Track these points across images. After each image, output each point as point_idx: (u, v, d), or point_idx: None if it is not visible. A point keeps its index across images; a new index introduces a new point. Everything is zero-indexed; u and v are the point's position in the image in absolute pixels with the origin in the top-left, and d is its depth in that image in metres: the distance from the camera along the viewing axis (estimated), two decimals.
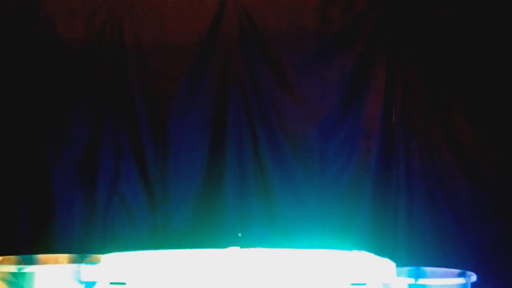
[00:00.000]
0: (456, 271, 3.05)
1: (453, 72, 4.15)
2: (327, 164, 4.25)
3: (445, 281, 2.94)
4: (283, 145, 4.24)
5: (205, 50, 4.29)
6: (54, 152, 4.30)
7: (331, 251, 2.77)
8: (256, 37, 4.28)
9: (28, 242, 4.21)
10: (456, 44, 4.15)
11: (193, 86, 4.30)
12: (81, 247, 4.13)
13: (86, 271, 2.48)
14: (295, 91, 4.29)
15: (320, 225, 4.10)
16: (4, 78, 4.28)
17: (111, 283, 2.39)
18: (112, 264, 2.43)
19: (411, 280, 2.84)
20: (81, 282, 2.62)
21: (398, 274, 2.61)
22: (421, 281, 2.83)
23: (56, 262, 3.19)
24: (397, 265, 2.57)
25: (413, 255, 3.99)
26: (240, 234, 3.70)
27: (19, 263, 3.07)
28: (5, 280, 2.77)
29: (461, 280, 2.92)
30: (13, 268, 2.82)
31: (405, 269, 3.13)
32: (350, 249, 2.81)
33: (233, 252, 2.67)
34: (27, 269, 2.81)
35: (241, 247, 3.51)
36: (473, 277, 2.97)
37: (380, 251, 2.82)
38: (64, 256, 3.25)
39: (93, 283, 2.50)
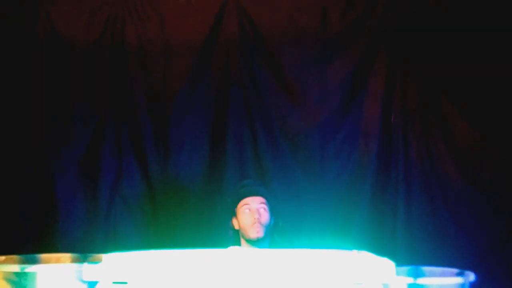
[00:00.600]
0: (455, 270, 3.06)
1: (453, 73, 4.17)
2: (327, 164, 4.27)
3: (444, 281, 2.95)
4: (283, 145, 4.26)
5: (205, 50, 4.31)
6: (55, 152, 4.33)
7: (330, 250, 2.79)
8: (256, 38, 4.30)
9: (30, 242, 4.23)
10: (457, 46, 4.17)
11: (194, 86, 4.32)
12: (83, 246, 4.14)
13: (88, 270, 2.49)
14: (295, 92, 4.31)
15: (320, 225, 4.12)
16: (5, 78, 4.29)
17: (114, 283, 2.40)
18: (114, 264, 2.45)
19: (410, 280, 2.85)
20: (84, 282, 2.63)
21: (397, 274, 2.62)
22: (420, 280, 2.84)
23: (58, 261, 3.19)
24: (396, 265, 2.59)
25: (412, 254, 4.02)
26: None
27: (21, 262, 3.06)
28: (8, 280, 2.78)
29: (459, 280, 2.94)
30: (16, 268, 2.82)
31: (404, 268, 3.14)
32: (350, 249, 2.82)
33: (234, 252, 2.68)
34: (30, 268, 2.81)
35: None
36: (472, 277, 2.99)
37: (380, 251, 2.83)
38: (66, 256, 3.25)
39: (95, 282, 2.51)
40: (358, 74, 4.27)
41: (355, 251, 2.75)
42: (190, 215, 4.24)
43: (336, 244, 2.89)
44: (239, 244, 3.66)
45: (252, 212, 3.57)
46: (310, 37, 4.29)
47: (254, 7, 4.33)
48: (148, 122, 4.34)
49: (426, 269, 3.13)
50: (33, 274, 2.79)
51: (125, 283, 2.40)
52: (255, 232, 3.56)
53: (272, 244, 3.60)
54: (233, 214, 3.66)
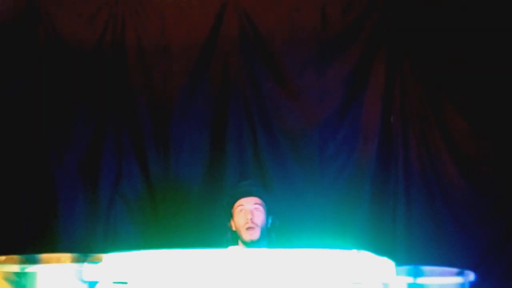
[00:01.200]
0: (455, 270, 3.06)
1: (453, 73, 4.17)
2: (326, 164, 4.28)
3: (444, 280, 2.95)
4: (283, 145, 4.26)
5: (206, 51, 4.31)
6: (55, 152, 4.33)
7: (330, 250, 2.79)
8: (256, 38, 4.30)
9: (30, 242, 4.24)
10: (456, 46, 4.17)
11: (194, 87, 4.32)
12: (83, 246, 4.15)
13: (88, 270, 2.48)
14: (295, 92, 4.31)
15: (320, 225, 4.13)
16: (5, 79, 4.29)
17: (114, 283, 2.40)
18: (114, 264, 2.45)
19: (410, 279, 2.86)
20: (84, 282, 2.63)
21: (397, 273, 2.63)
22: (419, 280, 2.85)
23: (58, 261, 3.19)
24: (396, 264, 2.59)
25: (412, 254, 4.02)
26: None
27: (22, 262, 3.06)
28: (8, 280, 2.78)
29: (459, 279, 2.94)
30: (16, 268, 2.82)
31: (404, 268, 3.14)
32: (350, 249, 2.82)
33: (234, 252, 2.68)
34: (30, 268, 2.81)
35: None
36: (471, 276, 2.99)
37: (380, 251, 2.83)
38: (66, 256, 3.25)
39: (96, 282, 2.51)
40: (358, 74, 4.28)
41: (355, 251, 2.75)
42: (190, 215, 4.24)
43: (336, 244, 2.89)
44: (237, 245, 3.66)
45: (245, 212, 3.57)
46: (310, 37, 4.28)
47: (254, 8, 4.33)
48: (148, 122, 4.34)
49: (426, 268, 3.13)
50: (33, 274, 2.78)
51: (125, 283, 2.40)
52: (249, 234, 3.55)
53: (270, 244, 3.60)
54: (230, 215, 3.66)
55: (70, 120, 4.34)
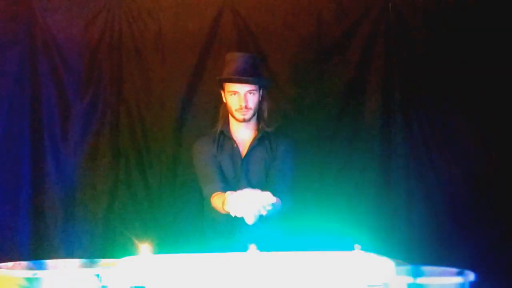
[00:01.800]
0: (455, 270, 3.07)
1: (453, 73, 4.17)
2: (326, 164, 4.28)
3: (444, 280, 2.95)
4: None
5: (202, 54, 4.32)
6: (55, 152, 4.33)
7: (330, 251, 2.80)
8: (252, 42, 4.31)
9: (29, 246, 4.25)
10: (456, 46, 4.18)
11: (191, 90, 4.33)
12: (83, 249, 4.16)
13: (105, 275, 2.49)
14: (292, 95, 4.32)
15: (320, 225, 4.12)
16: (5, 79, 4.29)
17: (131, 287, 2.41)
18: (130, 268, 2.46)
19: (410, 279, 2.86)
20: (102, 287, 2.61)
21: (397, 273, 2.63)
22: (419, 280, 2.85)
23: (65, 267, 3.18)
24: (396, 265, 2.60)
25: (412, 254, 4.02)
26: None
27: (30, 268, 3.05)
28: (19, 286, 2.76)
29: (459, 279, 2.94)
30: (26, 273, 2.80)
31: (404, 268, 3.15)
32: (350, 249, 2.83)
33: (253, 255, 2.67)
34: (37, 274, 2.79)
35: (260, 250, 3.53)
36: (471, 276, 2.99)
37: (380, 251, 2.84)
38: (74, 261, 3.23)
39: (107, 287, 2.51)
40: (356, 75, 4.28)
41: (355, 251, 2.75)
42: (190, 215, 4.24)
43: (336, 244, 2.89)
44: (227, 123, 3.67)
45: (239, 98, 3.56)
46: (306, 41, 4.29)
47: (251, 12, 4.33)
48: (146, 126, 4.35)
49: (426, 268, 3.13)
50: (44, 280, 2.76)
51: (143, 287, 2.41)
52: (241, 115, 3.58)
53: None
54: (221, 87, 3.66)
55: (67, 124, 4.34)
